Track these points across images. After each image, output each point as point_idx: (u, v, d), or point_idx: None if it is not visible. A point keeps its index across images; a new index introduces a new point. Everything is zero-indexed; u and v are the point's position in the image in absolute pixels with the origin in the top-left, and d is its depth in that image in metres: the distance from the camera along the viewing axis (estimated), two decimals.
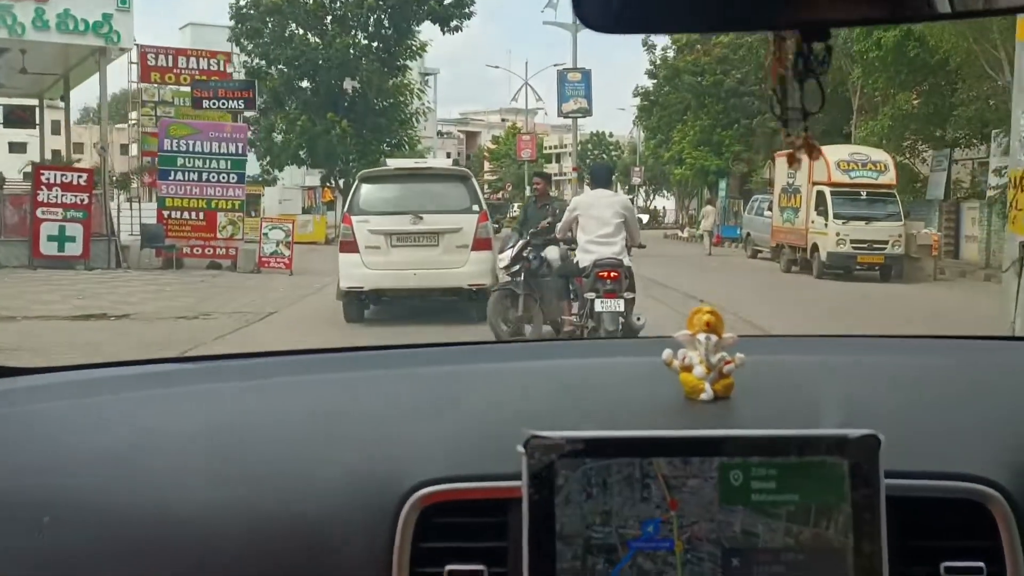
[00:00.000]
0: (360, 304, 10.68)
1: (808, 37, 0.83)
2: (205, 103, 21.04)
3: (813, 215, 20.72)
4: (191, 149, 18.76)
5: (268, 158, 36.76)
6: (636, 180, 60.91)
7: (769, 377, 1.28)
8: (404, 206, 10.44)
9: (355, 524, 1.05)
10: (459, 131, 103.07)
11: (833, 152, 21.32)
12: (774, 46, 0.84)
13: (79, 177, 18.06)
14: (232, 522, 1.07)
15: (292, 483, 1.10)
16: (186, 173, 18.94)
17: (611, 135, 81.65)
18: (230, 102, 21.13)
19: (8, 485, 1.12)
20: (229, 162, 19.03)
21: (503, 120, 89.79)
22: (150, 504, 1.09)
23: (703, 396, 1.17)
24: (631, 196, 64.60)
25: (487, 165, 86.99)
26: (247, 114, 37.45)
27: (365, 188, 10.82)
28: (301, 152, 36.59)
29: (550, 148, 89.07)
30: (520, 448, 0.94)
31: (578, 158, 35.04)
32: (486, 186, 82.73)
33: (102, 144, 19.40)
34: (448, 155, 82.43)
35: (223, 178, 18.94)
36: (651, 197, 70.29)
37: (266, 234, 19.08)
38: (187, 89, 31.02)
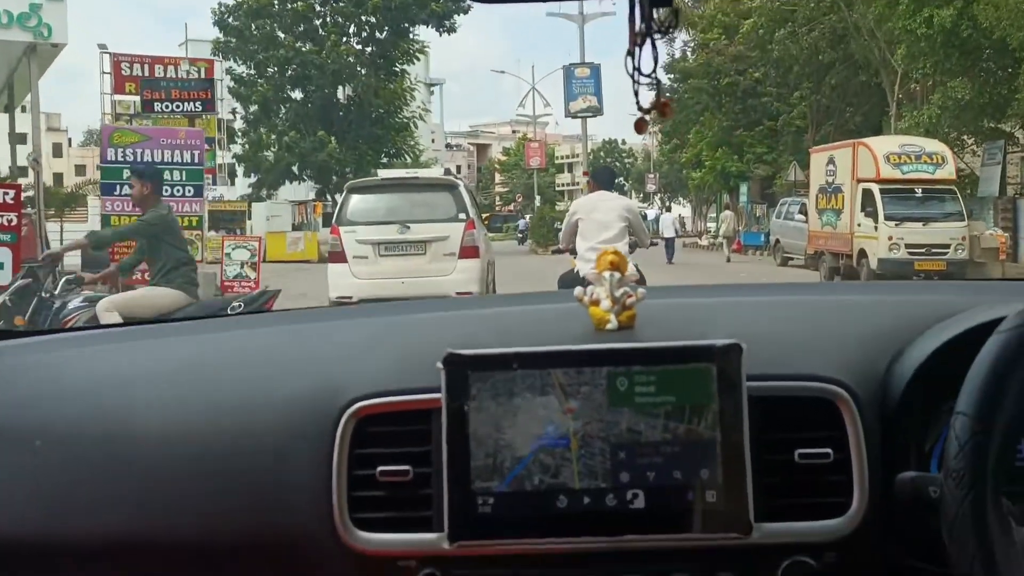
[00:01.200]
0: None
1: (655, 3, 0.92)
2: (156, 106, 18.40)
3: (860, 217, 17.96)
4: (139, 159, 16.19)
5: (259, 175, 34.50)
6: (651, 187, 58.38)
7: (666, 312, 1.42)
8: (392, 216, 10.43)
9: (300, 436, 1.20)
10: (469, 144, 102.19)
11: (880, 144, 18.66)
12: (629, 12, 0.93)
13: (5, 194, 15.45)
14: (195, 439, 1.24)
15: (245, 405, 1.27)
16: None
17: (624, 142, 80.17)
18: (185, 104, 18.42)
19: (5, 418, 1.31)
20: (184, 173, 16.33)
21: (513, 131, 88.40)
22: (122, 429, 1.27)
23: (609, 326, 1.27)
24: (647, 203, 62.89)
25: (498, 177, 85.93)
26: (237, 125, 35.56)
27: (354, 199, 10.80)
28: (294, 168, 34.36)
29: (561, 158, 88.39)
30: (439, 364, 1.11)
31: (589, 165, 32.41)
32: (498, 198, 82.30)
33: (34, 156, 16.85)
34: (457, 167, 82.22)
35: (177, 191, 16.22)
36: (666, 205, 67.57)
37: (229, 254, 16.48)
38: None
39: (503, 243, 32.14)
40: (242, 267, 16.39)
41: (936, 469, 1.14)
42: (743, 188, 37.41)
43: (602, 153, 74.74)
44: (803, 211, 22.96)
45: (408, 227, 10.25)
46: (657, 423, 1.10)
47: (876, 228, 17.34)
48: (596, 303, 1.29)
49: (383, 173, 13.72)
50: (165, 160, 16.28)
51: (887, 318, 1.34)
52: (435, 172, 16.15)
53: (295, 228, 31.40)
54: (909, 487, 1.08)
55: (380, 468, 1.14)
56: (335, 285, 10.31)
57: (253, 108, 34.27)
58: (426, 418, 1.15)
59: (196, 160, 16.49)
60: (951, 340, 1.19)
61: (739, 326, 1.30)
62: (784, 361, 1.20)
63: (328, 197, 36.22)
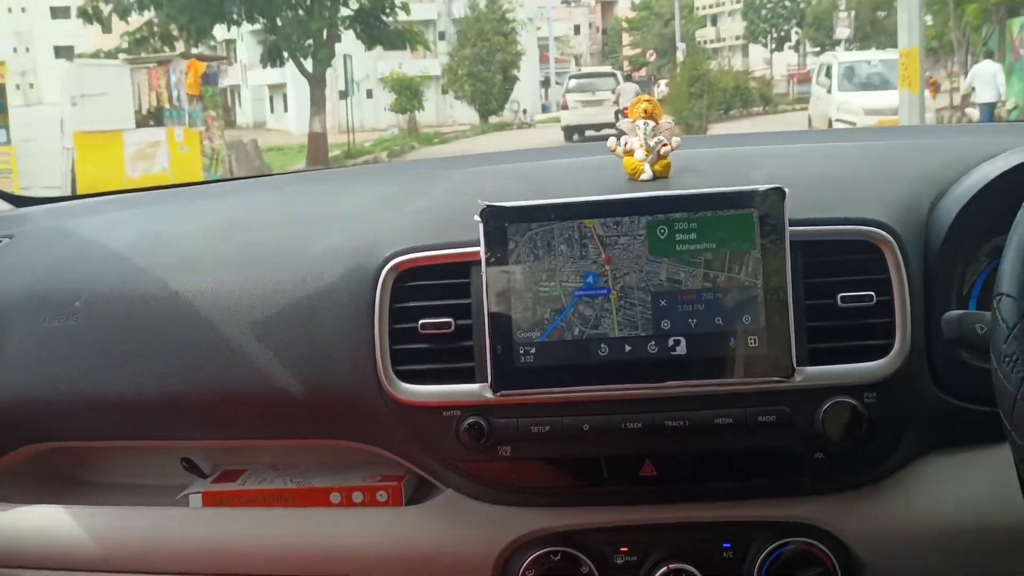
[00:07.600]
0: (571, 132, 22.49)
1: None
2: None
3: None
4: None
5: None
6: (844, 31, 38.61)
7: (703, 161, 1.38)
8: (586, 88, 23.36)
9: (341, 291, 1.21)
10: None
11: None
12: None
13: None
14: (233, 297, 1.24)
15: (286, 262, 1.27)
16: None
17: None
18: None
19: (46, 280, 1.34)
20: None
21: None
22: (164, 288, 1.27)
23: (643, 176, 1.27)
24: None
25: (626, 38, 69.43)
26: None
27: (572, 80, 24.39)
28: None
29: (705, 7, 70.46)
30: (477, 217, 1.12)
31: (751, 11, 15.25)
32: (627, 62, 66.26)
33: None
34: (575, 27, 67.05)
35: None
36: (987, 52, 46.19)
37: None
38: None
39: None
40: None
41: (975, 309, 1.18)
42: None
43: None
44: None
45: (593, 92, 22.89)
46: (698, 271, 1.12)
47: None
48: (630, 153, 1.29)
49: (585, 69, 31.42)
50: None
51: (930, 160, 1.33)
52: (603, 68, 32.03)
53: (150, 118, 14.24)
54: (956, 325, 1.06)
55: (422, 321, 1.17)
56: (564, 119, 23.42)
57: None
58: (465, 271, 1.17)
59: None
60: (992, 180, 1.19)
61: (780, 172, 1.29)
62: (826, 205, 1.21)
63: (279, 62, 19.54)
